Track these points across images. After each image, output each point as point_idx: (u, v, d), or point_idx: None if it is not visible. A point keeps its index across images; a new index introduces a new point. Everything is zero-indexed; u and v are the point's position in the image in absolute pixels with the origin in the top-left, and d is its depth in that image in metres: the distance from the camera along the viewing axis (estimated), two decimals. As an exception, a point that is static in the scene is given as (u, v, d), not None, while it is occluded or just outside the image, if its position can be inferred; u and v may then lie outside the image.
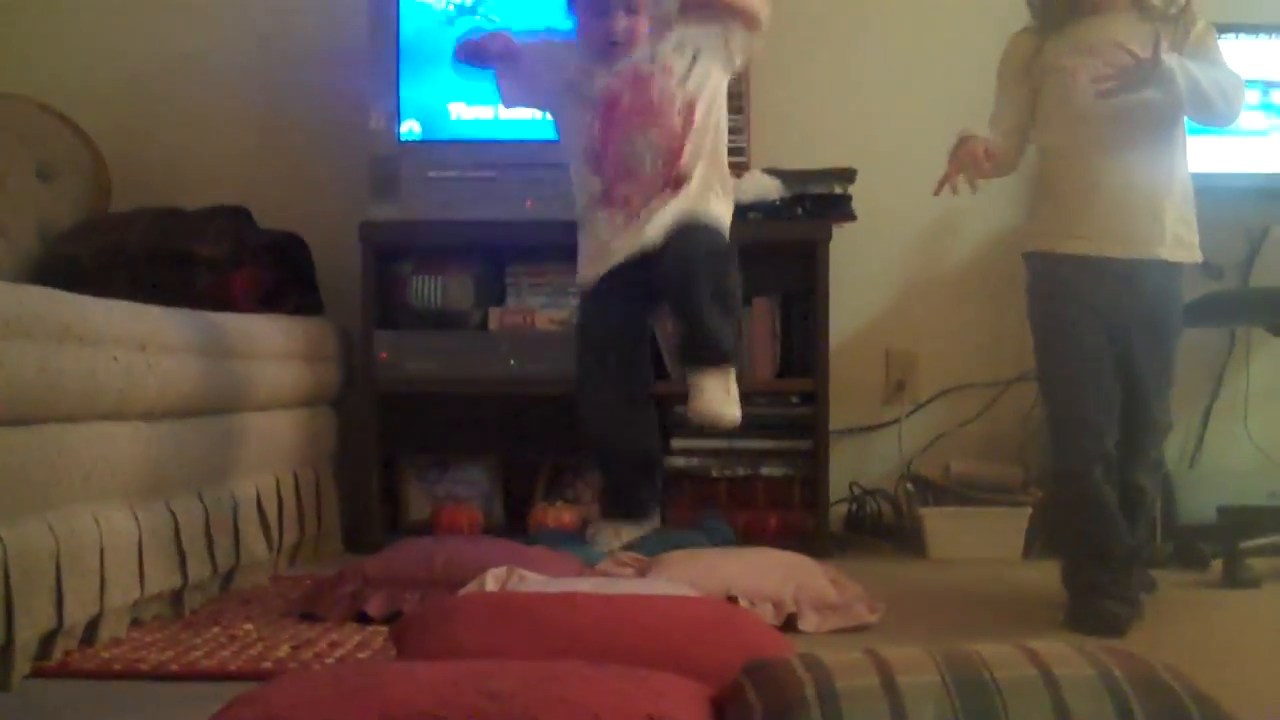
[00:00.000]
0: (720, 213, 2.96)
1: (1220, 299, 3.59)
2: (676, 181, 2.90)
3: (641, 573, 2.65)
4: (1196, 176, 3.64)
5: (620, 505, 3.06)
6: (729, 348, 2.88)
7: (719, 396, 2.86)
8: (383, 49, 3.63)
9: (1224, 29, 3.74)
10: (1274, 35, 3.79)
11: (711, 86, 2.97)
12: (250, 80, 4.12)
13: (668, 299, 2.92)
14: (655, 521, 3.07)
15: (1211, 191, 3.61)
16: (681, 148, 2.90)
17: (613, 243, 2.92)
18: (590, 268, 2.98)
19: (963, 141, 2.80)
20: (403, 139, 3.63)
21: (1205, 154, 3.71)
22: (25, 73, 3.98)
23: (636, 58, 2.93)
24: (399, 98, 3.63)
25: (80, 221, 3.71)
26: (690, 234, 2.85)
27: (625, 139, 2.91)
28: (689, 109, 2.91)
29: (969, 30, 4.01)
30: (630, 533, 2.99)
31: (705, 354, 2.86)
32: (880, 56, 4.03)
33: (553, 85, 3.02)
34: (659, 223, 2.87)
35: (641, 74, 2.93)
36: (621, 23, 2.90)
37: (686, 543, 2.92)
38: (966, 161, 2.75)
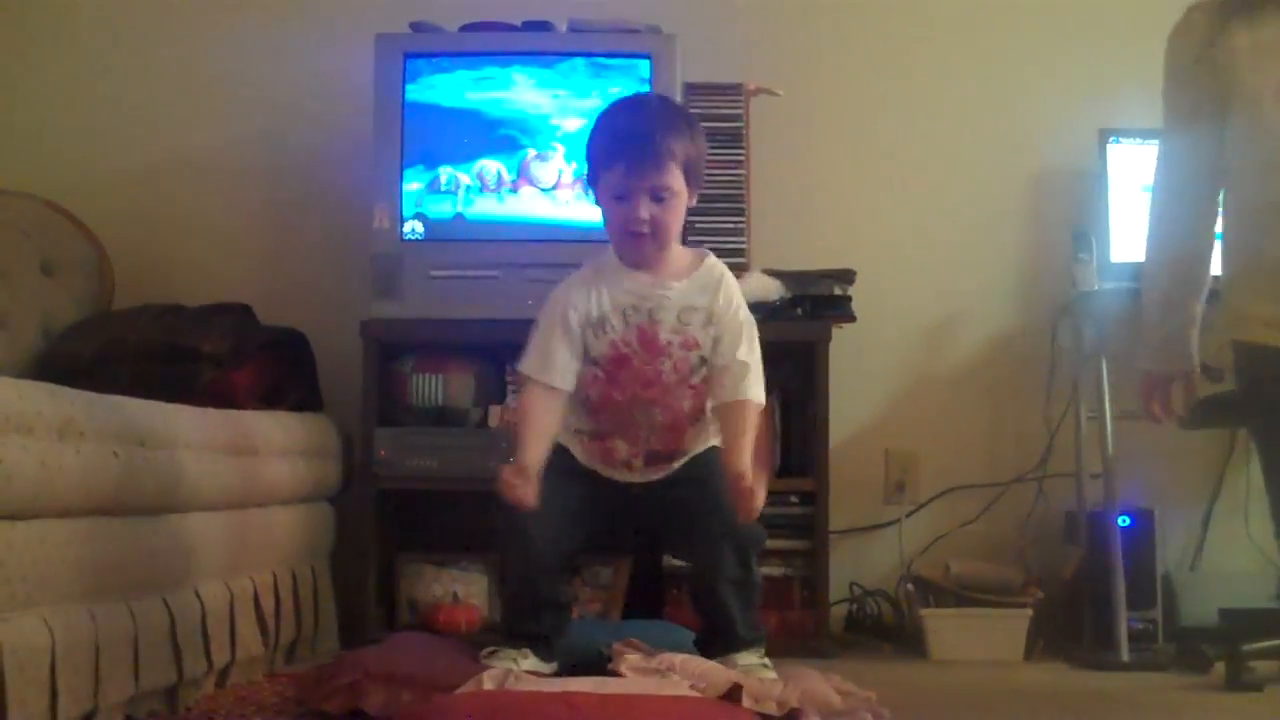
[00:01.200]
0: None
1: (1220, 401, 3.58)
2: (669, 457, 2.68)
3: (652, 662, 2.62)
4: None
5: (523, 636, 2.65)
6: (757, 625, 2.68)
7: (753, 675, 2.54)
8: (386, 148, 3.67)
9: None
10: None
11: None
12: (254, 179, 4.16)
13: (678, 535, 2.74)
14: (554, 664, 2.66)
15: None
16: (683, 433, 2.67)
17: (594, 461, 2.72)
18: (570, 440, 2.71)
19: (1157, 386, 2.53)
20: (405, 238, 3.66)
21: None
22: (31, 169, 4.02)
23: (658, 292, 2.62)
24: (402, 197, 3.66)
25: (84, 317, 3.72)
26: (708, 514, 2.58)
27: (626, 407, 2.64)
28: (698, 398, 2.65)
29: (968, 131, 4.07)
30: (533, 664, 2.60)
31: (735, 638, 2.64)
32: (879, 157, 4.07)
33: (579, 325, 2.64)
34: (654, 476, 2.69)
35: (658, 341, 2.61)
36: (644, 210, 2.54)
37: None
38: (1164, 412, 2.51)
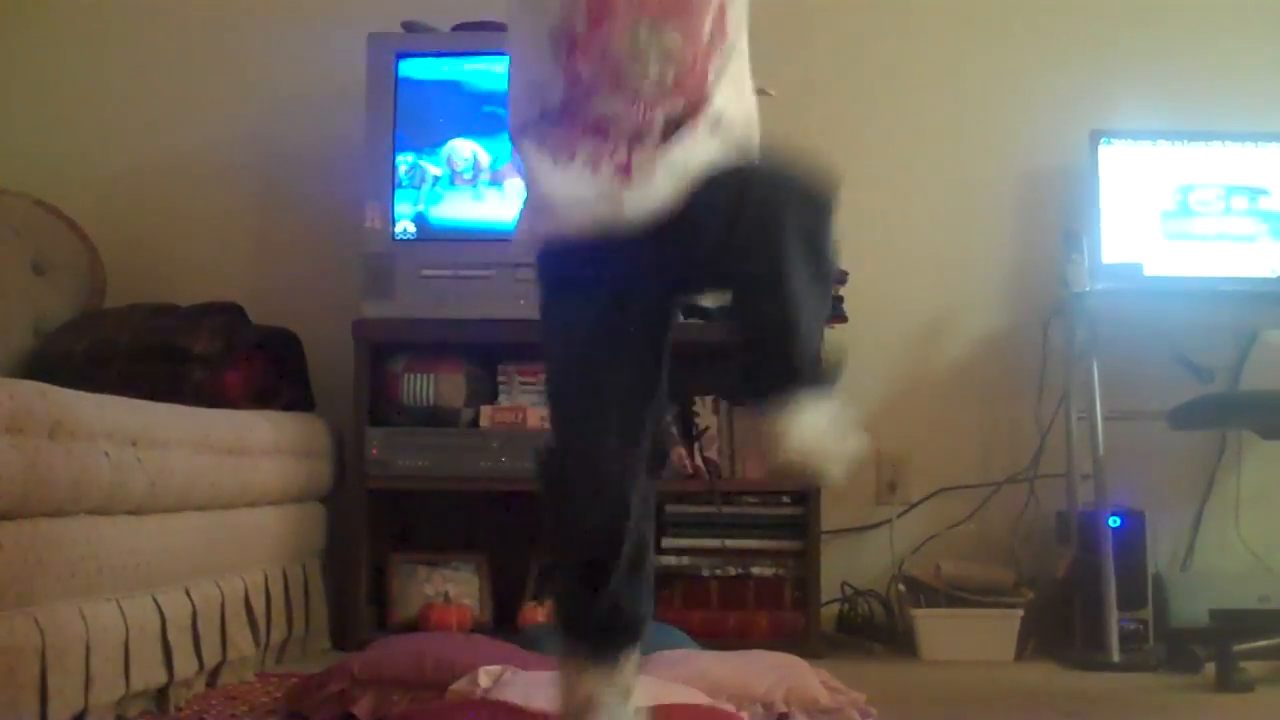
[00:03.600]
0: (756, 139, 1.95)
1: (1211, 402, 3.60)
2: (688, 109, 1.82)
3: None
4: (1187, 281, 3.71)
5: (586, 634, 1.90)
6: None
7: (823, 429, 1.84)
8: (378, 148, 3.66)
9: (1212, 136, 3.82)
10: (1260, 143, 3.83)
11: None
12: (246, 178, 4.16)
13: (732, 287, 1.82)
14: (633, 675, 1.92)
15: (1201, 296, 3.66)
16: (707, 64, 1.83)
17: (576, 192, 1.82)
18: (541, 222, 1.88)
19: None
20: (397, 237, 3.65)
21: (1195, 259, 3.76)
22: (22, 169, 4.00)
23: None
24: (394, 196, 3.66)
25: (74, 317, 3.71)
26: (761, 182, 1.84)
27: (626, 28, 1.78)
28: (721, 13, 1.84)
29: (960, 131, 4.07)
30: (596, 682, 1.87)
31: (802, 369, 1.85)
32: (871, 158, 4.07)
33: None
34: (677, 170, 1.81)
35: None
36: None
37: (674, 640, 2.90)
38: None
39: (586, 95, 1.80)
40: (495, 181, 3.66)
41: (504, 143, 3.60)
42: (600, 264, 1.84)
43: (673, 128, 1.81)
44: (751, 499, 3.61)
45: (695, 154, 1.82)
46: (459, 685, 2.38)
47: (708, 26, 1.82)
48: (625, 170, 1.80)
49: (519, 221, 1.92)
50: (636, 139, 1.80)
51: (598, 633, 1.88)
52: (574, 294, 1.89)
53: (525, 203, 1.91)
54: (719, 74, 1.84)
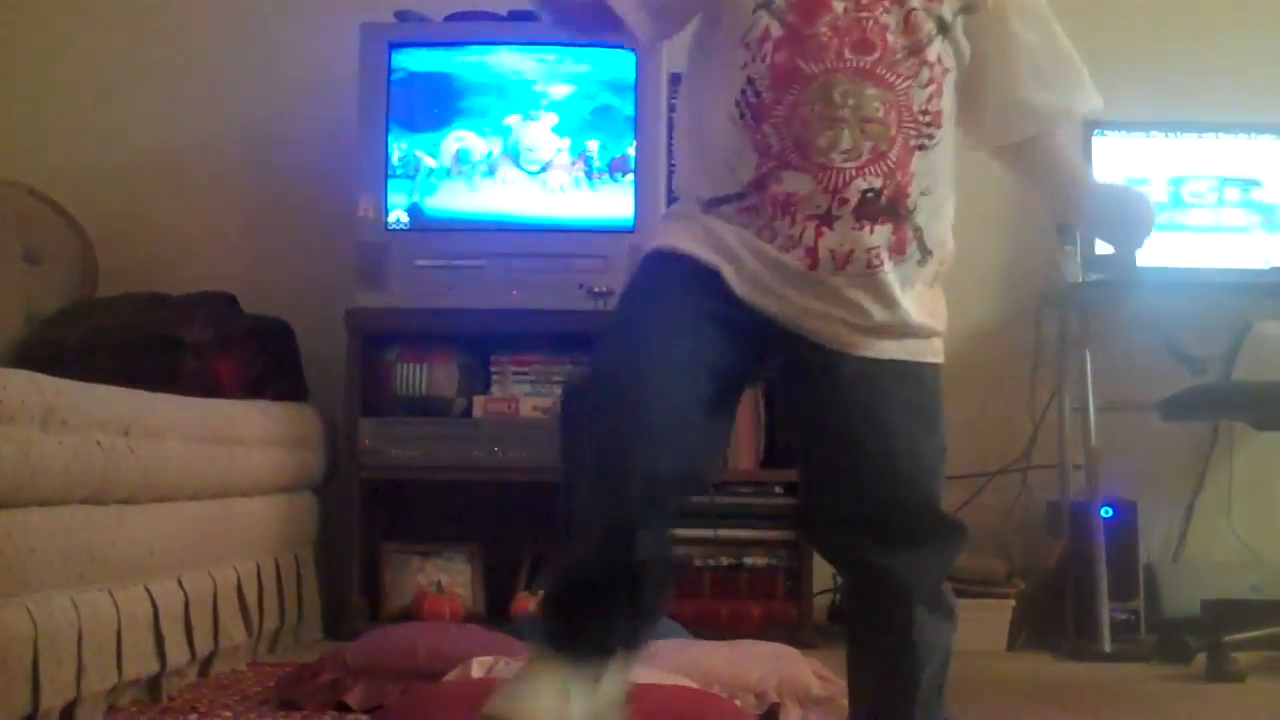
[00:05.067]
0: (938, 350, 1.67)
1: (1203, 393, 3.60)
2: (891, 210, 1.57)
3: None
4: (1180, 272, 3.71)
5: (577, 639, 1.50)
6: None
7: None
8: (371, 137, 3.66)
9: (1205, 128, 3.82)
10: (1253, 135, 3.84)
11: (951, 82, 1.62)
12: (238, 167, 4.15)
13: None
14: (619, 687, 1.53)
15: (1195, 287, 3.67)
16: (909, 161, 1.57)
17: (758, 270, 1.58)
18: (691, 245, 1.60)
19: None
20: (390, 227, 3.65)
21: (1189, 250, 3.76)
22: (14, 157, 4.00)
23: None
24: (387, 186, 3.65)
25: (66, 306, 3.71)
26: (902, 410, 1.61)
27: (817, 92, 1.54)
28: (935, 84, 1.59)
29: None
30: (575, 696, 1.47)
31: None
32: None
33: None
34: (881, 294, 1.58)
35: None
36: None
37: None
38: None
39: (776, 175, 1.56)
40: (489, 171, 3.66)
41: (498, 132, 3.63)
42: (717, 303, 1.57)
43: (868, 218, 1.56)
44: (744, 489, 3.61)
45: (899, 292, 1.58)
46: (452, 675, 2.38)
47: (917, 91, 1.57)
48: (814, 259, 1.56)
49: (668, 234, 1.64)
50: (830, 212, 1.55)
51: (596, 620, 1.50)
52: (679, 296, 1.59)
53: (682, 227, 1.63)
54: (925, 180, 1.59)
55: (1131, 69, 3.97)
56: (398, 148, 3.66)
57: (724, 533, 3.60)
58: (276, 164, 4.11)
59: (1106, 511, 3.54)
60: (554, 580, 1.57)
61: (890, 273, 1.57)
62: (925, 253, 1.60)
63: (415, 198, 3.67)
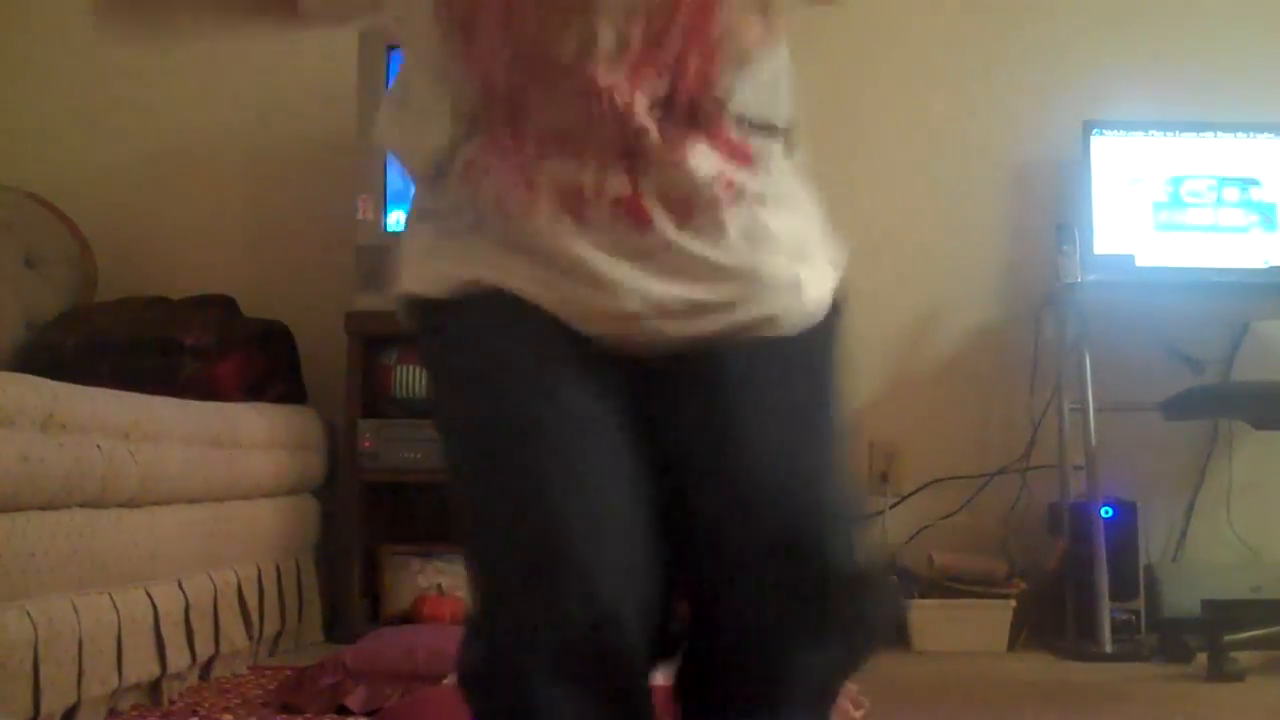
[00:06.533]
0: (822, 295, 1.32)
1: (1203, 393, 3.60)
2: (693, 112, 1.20)
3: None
4: (1182, 272, 3.71)
5: None
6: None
7: None
8: (370, 140, 3.65)
9: (1204, 127, 3.82)
10: (1252, 134, 3.84)
11: None
12: (238, 171, 4.15)
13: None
14: None
15: (1194, 287, 3.67)
16: (716, 49, 1.23)
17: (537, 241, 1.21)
18: (455, 267, 1.28)
19: None
20: (389, 230, 3.65)
21: (1188, 250, 3.76)
22: (13, 162, 4.00)
23: None
24: (387, 188, 3.65)
25: (66, 310, 3.71)
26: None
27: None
28: None
29: (951, 122, 4.07)
30: None
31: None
32: (862, 149, 4.07)
33: None
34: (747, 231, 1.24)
35: None
36: None
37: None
38: None
39: (518, 110, 1.16)
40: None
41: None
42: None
43: (673, 126, 1.12)
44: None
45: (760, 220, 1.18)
46: (452, 678, 2.38)
47: None
48: (634, 211, 1.13)
49: (409, 265, 1.27)
50: (598, 176, 1.13)
51: None
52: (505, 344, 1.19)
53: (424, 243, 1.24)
54: (734, 67, 1.21)
55: (1131, 69, 3.98)
56: (397, 150, 3.65)
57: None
58: (276, 167, 4.11)
59: (1106, 512, 3.54)
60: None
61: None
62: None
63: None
